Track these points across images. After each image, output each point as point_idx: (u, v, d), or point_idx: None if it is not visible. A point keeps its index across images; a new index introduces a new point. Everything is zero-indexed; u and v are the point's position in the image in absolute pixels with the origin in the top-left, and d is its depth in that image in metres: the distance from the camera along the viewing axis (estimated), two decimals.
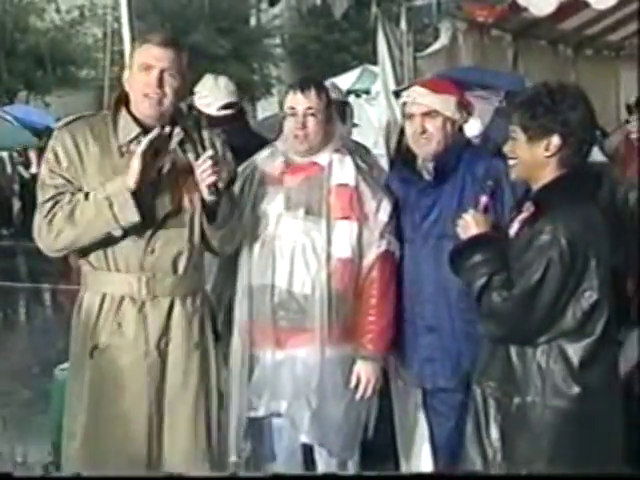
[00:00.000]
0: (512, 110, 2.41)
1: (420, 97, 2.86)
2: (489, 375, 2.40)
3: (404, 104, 2.93)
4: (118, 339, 2.53)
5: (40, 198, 2.56)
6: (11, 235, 11.63)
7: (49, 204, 2.53)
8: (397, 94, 4.88)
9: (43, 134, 14.15)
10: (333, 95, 3.18)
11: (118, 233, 2.49)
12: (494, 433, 2.37)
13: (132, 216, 2.46)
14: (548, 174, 2.35)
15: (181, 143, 2.57)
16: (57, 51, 19.01)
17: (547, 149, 2.33)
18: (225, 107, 3.85)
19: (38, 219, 2.55)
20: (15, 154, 12.87)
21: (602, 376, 2.32)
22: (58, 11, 19.30)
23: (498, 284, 2.31)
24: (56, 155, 2.54)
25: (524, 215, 2.40)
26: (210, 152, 2.52)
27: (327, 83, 3.21)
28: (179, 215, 2.55)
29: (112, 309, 2.54)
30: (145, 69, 2.50)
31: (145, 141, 2.47)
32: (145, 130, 2.52)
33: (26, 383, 5.35)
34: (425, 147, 2.85)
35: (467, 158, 2.85)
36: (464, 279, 2.46)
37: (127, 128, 2.54)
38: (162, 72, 2.50)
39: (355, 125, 4.09)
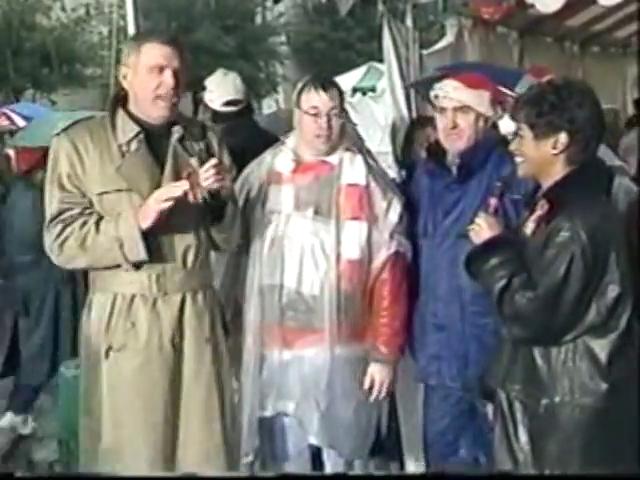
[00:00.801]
0: (518, 108, 2.38)
1: (453, 91, 2.79)
2: (513, 379, 2.38)
3: (436, 97, 2.85)
4: (132, 338, 2.52)
5: (47, 210, 2.57)
6: None
7: (58, 226, 2.52)
8: (411, 87, 4.86)
9: None
10: None
11: (128, 268, 2.52)
12: (523, 437, 2.34)
13: (141, 255, 2.50)
14: (556, 171, 2.34)
15: (181, 139, 2.56)
16: (63, 49, 19.00)
17: (554, 147, 2.31)
18: (229, 103, 3.85)
19: (48, 240, 2.56)
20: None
21: (628, 370, 2.30)
22: (64, 9, 19.30)
23: (519, 285, 2.29)
24: (56, 163, 2.53)
25: (539, 213, 2.37)
26: (214, 160, 2.51)
27: None
28: (185, 209, 2.53)
29: (124, 308, 2.53)
30: (156, 70, 2.48)
31: (170, 195, 2.45)
32: (144, 129, 2.51)
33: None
34: (455, 142, 2.80)
35: (495, 158, 2.78)
36: (482, 283, 2.43)
37: (126, 128, 2.52)
38: (175, 72, 2.49)
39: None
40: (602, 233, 2.25)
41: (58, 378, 3.68)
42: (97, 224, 2.51)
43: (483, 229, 2.43)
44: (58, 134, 2.56)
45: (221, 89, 3.86)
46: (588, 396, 2.28)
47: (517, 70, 4.61)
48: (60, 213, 2.53)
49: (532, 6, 4.64)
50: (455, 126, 2.78)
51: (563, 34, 6.50)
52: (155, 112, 2.51)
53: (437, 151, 2.89)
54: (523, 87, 3.67)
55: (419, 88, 4.35)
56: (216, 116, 3.87)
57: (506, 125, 2.95)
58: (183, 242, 2.56)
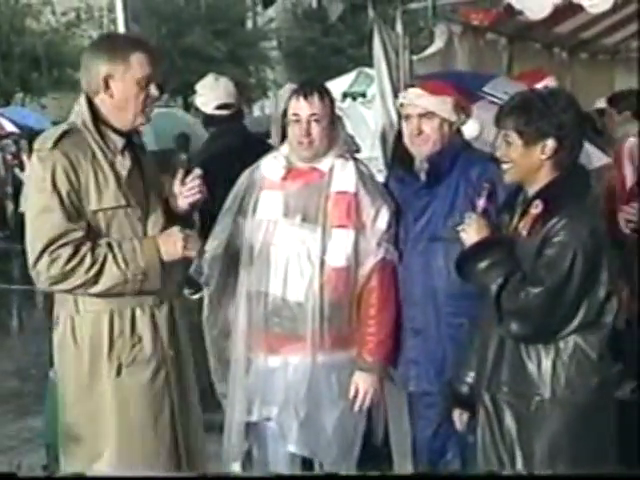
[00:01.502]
0: (504, 115, 2.43)
1: (416, 98, 2.86)
2: (499, 380, 2.40)
3: (401, 105, 2.93)
4: (140, 352, 2.48)
5: (40, 232, 2.38)
6: (5, 237, 11.60)
7: (62, 252, 2.36)
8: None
9: (34, 136, 14.10)
10: None
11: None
12: (510, 438, 2.37)
13: (157, 285, 2.48)
14: (543, 176, 2.39)
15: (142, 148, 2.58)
16: (53, 53, 18.99)
17: (543, 152, 2.37)
18: (221, 107, 3.86)
19: (43, 266, 2.36)
20: (9, 156, 12.82)
21: (621, 365, 2.35)
22: (54, 13, 19.30)
23: (517, 283, 2.32)
24: (54, 179, 2.38)
25: (533, 213, 2.40)
26: (198, 171, 2.53)
27: None
28: (164, 220, 2.54)
29: (126, 324, 2.47)
30: (144, 82, 2.46)
31: (195, 244, 2.48)
32: (127, 137, 2.50)
33: (20, 385, 5.34)
34: (421, 148, 2.85)
35: (462, 161, 2.84)
36: (477, 284, 2.45)
37: (111, 139, 2.48)
38: (157, 83, 2.49)
39: None
40: (599, 232, 2.33)
41: (47, 383, 3.67)
42: (112, 253, 2.40)
43: (473, 230, 2.46)
44: (50, 149, 2.39)
45: (213, 93, 3.88)
46: (578, 393, 2.32)
47: (489, 75, 4.63)
48: (62, 235, 2.37)
49: (521, 13, 4.67)
50: (420, 132, 2.83)
51: (552, 41, 6.53)
52: (136, 121, 2.50)
53: (404, 158, 2.93)
54: (494, 88, 3.71)
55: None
56: (208, 119, 3.89)
57: (470, 129, 3.01)
58: None
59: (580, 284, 2.29)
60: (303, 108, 2.79)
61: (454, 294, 2.74)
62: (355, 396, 2.81)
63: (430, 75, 4.45)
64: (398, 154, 3.06)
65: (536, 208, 2.38)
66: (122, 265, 2.41)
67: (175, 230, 2.47)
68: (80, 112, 2.48)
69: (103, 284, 2.42)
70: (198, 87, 3.94)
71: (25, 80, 18.80)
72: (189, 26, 19.00)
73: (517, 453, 2.36)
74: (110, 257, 2.41)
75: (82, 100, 2.49)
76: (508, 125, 2.39)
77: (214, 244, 2.88)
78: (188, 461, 2.57)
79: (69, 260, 2.38)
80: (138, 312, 2.48)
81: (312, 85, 2.89)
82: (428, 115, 2.82)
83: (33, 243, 2.41)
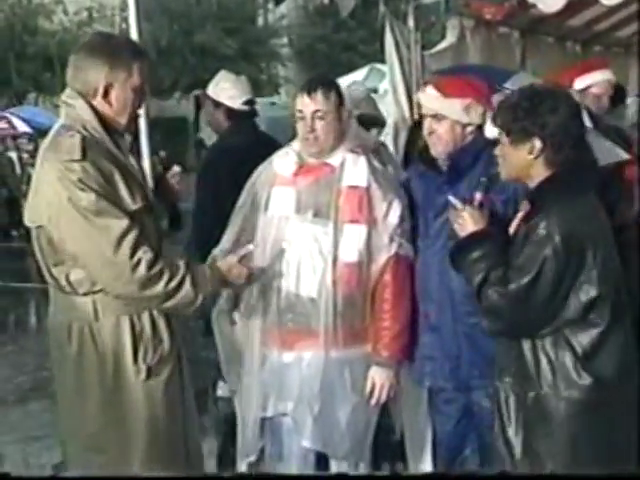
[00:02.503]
0: (496, 113, 2.46)
1: (427, 100, 2.87)
2: (507, 371, 2.43)
3: (418, 103, 2.94)
4: (162, 352, 2.48)
5: (109, 232, 2.32)
6: (21, 236, 11.65)
7: (146, 256, 2.33)
8: None
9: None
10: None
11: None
12: (513, 428, 2.40)
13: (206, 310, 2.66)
14: (538, 174, 2.40)
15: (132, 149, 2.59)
16: (66, 53, 18.97)
17: (531, 152, 2.37)
18: (246, 103, 3.93)
19: (131, 264, 2.32)
20: (25, 155, 12.88)
21: (614, 365, 2.34)
22: (66, 13, 19.36)
23: (495, 280, 2.35)
24: (98, 186, 2.33)
25: (521, 213, 2.44)
26: (177, 168, 2.66)
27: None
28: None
29: (147, 327, 2.45)
30: (139, 88, 2.47)
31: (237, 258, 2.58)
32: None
33: (36, 384, 5.37)
34: (436, 147, 2.85)
35: (485, 158, 2.79)
36: (465, 276, 2.49)
37: (121, 139, 2.49)
38: (144, 86, 2.51)
39: None
40: (578, 234, 2.30)
41: None
42: (191, 272, 2.41)
43: (468, 222, 2.49)
44: (79, 160, 2.32)
45: (242, 88, 3.95)
46: (571, 389, 2.32)
47: (512, 71, 4.62)
48: (134, 234, 2.33)
49: (534, 6, 4.65)
50: (432, 132, 2.83)
51: (565, 34, 6.49)
52: (130, 125, 2.52)
53: (427, 154, 2.93)
54: (514, 84, 3.68)
55: None
56: (231, 114, 3.92)
57: (490, 129, 2.99)
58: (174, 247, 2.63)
59: (554, 285, 2.28)
60: (306, 105, 2.80)
61: (471, 293, 2.73)
62: (372, 391, 2.81)
63: (451, 69, 4.42)
64: (420, 150, 3.05)
65: (524, 208, 2.42)
66: (196, 287, 2.41)
67: (234, 259, 2.54)
68: (80, 117, 2.42)
69: (176, 300, 2.40)
70: (225, 81, 3.96)
71: (38, 80, 18.87)
72: (200, 24, 19.02)
73: (518, 445, 2.38)
74: (189, 276, 2.40)
75: (81, 104, 2.42)
76: (498, 123, 2.44)
77: (223, 240, 2.91)
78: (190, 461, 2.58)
79: (152, 264, 2.35)
80: (155, 313, 2.47)
81: (318, 81, 2.89)
82: (438, 117, 2.82)
83: (100, 248, 2.33)
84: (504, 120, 2.40)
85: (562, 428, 2.34)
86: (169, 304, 2.41)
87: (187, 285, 2.40)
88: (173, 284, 2.38)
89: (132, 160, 2.50)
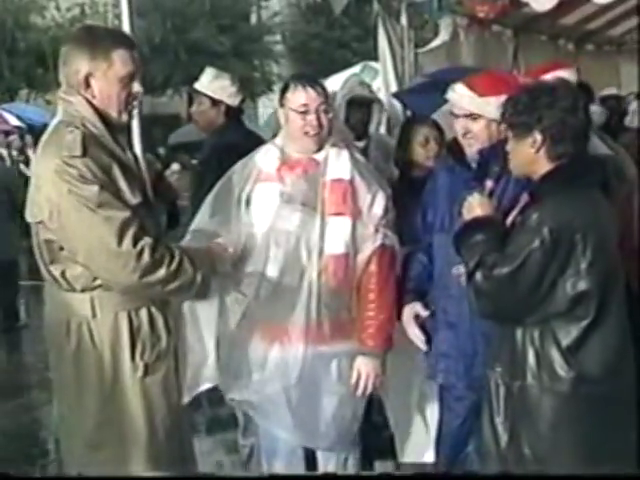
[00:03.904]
0: (502, 109, 2.50)
1: (461, 101, 2.84)
2: (499, 360, 2.47)
3: (448, 102, 2.90)
4: (159, 349, 2.48)
5: (111, 223, 2.31)
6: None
7: (146, 241, 2.33)
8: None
9: (40, 132, 14.11)
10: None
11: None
12: (502, 417, 2.43)
13: (205, 295, 2.62)
14: (540, 168, 2.44)
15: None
16: (58, 49, 18.92)
17: (532, 146, 2.41)
18: (242, 101, 3.97)
19: (134, 253, 2.31)
20: (15, 152, 12.83)
21: (598, 361, 2.36)
22: (58, 9, 19.28)
23: (485, 264, 2.40)
24: (98, 181, 2.32)
25: (520, 205, 2.49)
26: (176, 166, 2.58)
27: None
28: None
29: (144, 323, 2.45)
30: (127, 78, 2.42)
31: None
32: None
33: (26, 380, 5.37)
34: (471, 147, 2.84)
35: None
36: (464, 258, 2.52)
37: (120, 134, 2.47)
38: (132, 79, 2.45)
39: None
40: (568, 226, 2.33)
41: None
42: (186, 253, 2.44)
43: (474, 207, 2.53)
44: (79, 156, 2.32)
45: (237, 86, 3.97)
46: (556, 382, 2.35)
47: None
48: (134, 223, 2.33)
49: (527, 4, 4.66)
50: (467, 132, 2.83)
51: (558, 32, 6.52)
52: (121, 119, 2.46)
53: (456, 148, 2.92)
54: None
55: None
56: (230, 112, 3.93)
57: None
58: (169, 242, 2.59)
59: (539, 274, 2.32)
60: (312, 98, 2.79)
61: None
62: (357, 381, 2.81)
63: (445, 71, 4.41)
64: (448, 144, 3.05)
65: (523, 199, 2.48)
66: (194, 265, 2.42)
67: (222, 242, 2.55)
68: (79, 113, 2.40)
69: (179, 281, 2.39)
70: (224, 79, 3.96)
71: (30, 76, 18.80)
72: (194, 21, 18.95)
73: (504, 434, 2.42)
74: (185, 256, 2.42)
75: (79, 100, 2.41)
76: (502, 119, 2.49)
77: (197, 221, 2.93)
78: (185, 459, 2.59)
79: (154, 250, 2.34)
80: (153, 310, 2.46)
81: (311, 76, 2.92)
82: (474, 116, 2.81)
83: (103, 239, 2.32)
84: (507, 115, 2.46)
85: (544, 419, 2.37)
86: (172, 286, 2.40)
87: (186, 264, 2.41)
88: (174, 266, 2.38)
89: (130, 155, 2.48)
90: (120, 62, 2.40)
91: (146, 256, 2.34)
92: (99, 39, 2.42)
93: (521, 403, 2.40)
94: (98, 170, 2.33)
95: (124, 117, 2.47)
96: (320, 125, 2.79)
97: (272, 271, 2.78)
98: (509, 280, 2.35)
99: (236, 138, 3.80)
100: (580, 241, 2.33)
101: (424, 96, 4.32)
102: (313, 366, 2.78)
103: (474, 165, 2.85)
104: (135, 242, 2.33)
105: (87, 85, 2.40)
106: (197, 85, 3.99)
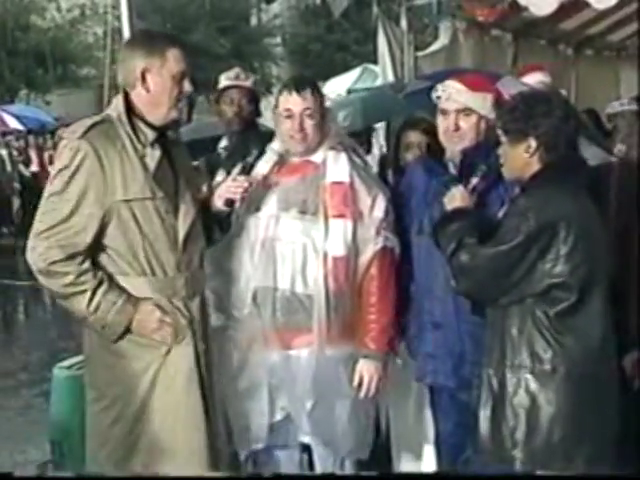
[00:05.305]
0: (498, 115, 2.62)
1: (456, 94, 2.81)
2: (491, 356, 2.54)
3: (438, 98, 2.85)
4: (180, 340, 2.53)
5: (50, 212, 2.43)
6: (11, 233, 11.61)
7: (60, 251, 2.41)
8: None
9: (39, 132, 14.16)
10: None
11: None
12: (489, 407, 2.52)
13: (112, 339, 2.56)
14: (532, 171, 2.55)
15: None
16: (58, 50, 18.99)
17: (527, 151, 2.52)
18: None
19: (39, 248, 2.42)
20: (15, 152, 12.84)
21: (580, 342, 2.46)
22: (59, 10, 19.32)
23: (468, 243, 2.51)
24: (77, 167, 2.42)
25: (509, 198, 2.63)
26: (241, 177, 2.73)
27: None
28: (195, 212, 2.60)
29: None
30: (179, 77, 2.53)
31: (167, 332, 2.53)
32: (159, 131, 2.55)
33: (25, 381, 5.36)
34: (457, 145, 2.81)
35: (495, 157, 2.74)
36: (442, 246, 2.61)
37: (143, 132, 2.52)
38: (184, 77, 2.55)
39: None
40: (553, 213, 2.44)
41: (52, 379, 3.68)
42: (94, 291, 2.44)
43: (456, 199, 2.64)
44: (78, 138, 2.43)
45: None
46: (537, 363, 2.45)
47: (497, 73, 4.64)
48: (64, 226, 2.41)
49: (526, 9, 4.67)
50: (457, 128, 2.80)
51: (557, 37, 6.52)
52: (170, 116, 2.55)
53: (435, 149, 2.92)
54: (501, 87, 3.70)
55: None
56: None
57: None
58: (199, 244, 2.63)
59: (519, 255, 2.43)
60: (296, 103, 2.80)
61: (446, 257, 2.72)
62: (360, 384, 2.81)
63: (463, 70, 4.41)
64: (429, 145, 3.11)
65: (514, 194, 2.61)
66: (92, 307, 2.44)
67: (156, 313, 2.49)
68: (117, 105, 2.53)
69: (69, 305, 2.48)
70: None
71: (30, 77, 18.82)
72: (194, 23, 18.99)
73: (487, 421, 2.52)
74: (89, 292, 2.44)
75: (120, 94, 2.55)
76: (498, 124, 2.59)
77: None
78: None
79: (62, 261, 2.43)
80: (175, 300, 2.52)
81: (304, 80, 2.91)
82: (466, 111, 2.79)
83: (36, 224, 2.46)
84: (503, 121, 2.57)
85: (527, 401, 2.46)
86: (63, 304, 2.50)
87: (84, 298, 2.44)
88: (70, 290, 2.43)
89: (153, 152, 2.50)
90: (174, 60, 2.53)
91: (44, 261, 2.42)
92: (155, 39, 2.57)
93: (504, 386, 2.48)
94: (89, 154, 2.41)
95: (173, 113, 2.55)
96: (302, 130, 2.79)
97: (283, 280, 2.78)
98: (491, 258, 2.47)
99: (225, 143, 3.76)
100: (563, 229, 2.43)
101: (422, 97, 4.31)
102: (325, 370, 2.79)
103: (451, 165, 2.84)
104: (49, 238, 2.42)
105: (143, 80, 2.51)
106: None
